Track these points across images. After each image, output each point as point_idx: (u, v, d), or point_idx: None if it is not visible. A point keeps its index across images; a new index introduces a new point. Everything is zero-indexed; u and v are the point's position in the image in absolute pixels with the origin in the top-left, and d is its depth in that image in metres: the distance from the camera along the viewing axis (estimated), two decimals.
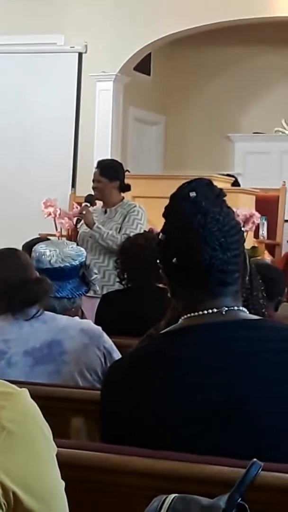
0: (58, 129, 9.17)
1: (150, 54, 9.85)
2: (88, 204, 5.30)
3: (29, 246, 3.77)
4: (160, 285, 3.81)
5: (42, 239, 4.19)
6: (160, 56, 10.21)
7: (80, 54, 9.32)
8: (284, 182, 8.12)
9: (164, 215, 1.71)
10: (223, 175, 8.02)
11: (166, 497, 1.19)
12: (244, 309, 1.67)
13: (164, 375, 1.59)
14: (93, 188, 5.37)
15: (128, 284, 3.77)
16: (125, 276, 3.76)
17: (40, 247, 2.97)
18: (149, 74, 10.32)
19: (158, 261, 1.71)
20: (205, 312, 1.63)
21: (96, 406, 2.23)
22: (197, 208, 1.64)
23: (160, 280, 3.81)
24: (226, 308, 1.63)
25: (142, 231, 5.24)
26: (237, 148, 10.50)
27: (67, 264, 2.94)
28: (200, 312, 1.64)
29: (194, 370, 1.58)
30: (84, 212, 5.24)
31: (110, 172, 5.35)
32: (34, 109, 9.18)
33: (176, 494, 1.19)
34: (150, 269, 3.64)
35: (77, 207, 7.69)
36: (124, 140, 9.73)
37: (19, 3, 9.47)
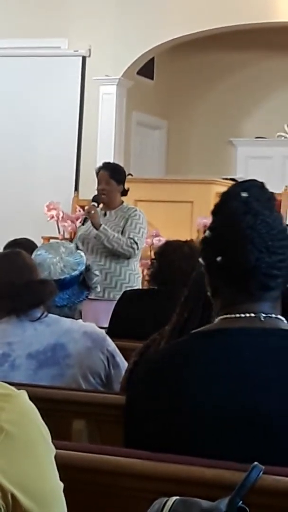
0: (61, 132, 9.18)
1: (153, 58, 9.86)
2: (96, 204, 5.30)
3: (10, 246, 3.75)
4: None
5: (26, 240, 4.12)
6: (163, 60, 10.22)
7: (83, 58, 9.33)
8: (287, 186, 8.14)
9: (213, 212, 1.68)
10: (226, 179, 8.02)
11: (167, 500, 1.19)
12: (282, 318, 1.63)
13: (198, 376, 1.57)
14: (101, 189, 5.36)
15: (156, 286, 3.75)
16: (156, 277, 3.73)
17: (39, 255, 2.94)
18: (152, 78, 10.33)
19: (201, 256, 1.67)
20: (243, 315, 1.61)
21: (97, 409, 2.24)
22: (248, 208, 1.61)
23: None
24: (264, 315, 1.60)
25: (144, 234, 5.27)
26: (239, 153, 10.50)
27: (67, 276, 2.92)
28: (237, 315, 1.61)
29: (226, 373, 1.55)
30: (92, 212, 5.24)
31: (119, 176, 5.39)
32: (37, 113, 9.19)
33: (177, 497, 1.19)
34: (185, 278, 3.63)
35: (79, 210, 7.71)
36: (127, 144, 9.73)
37: (23, 6, 9.48)
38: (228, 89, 10.47)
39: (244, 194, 1.63)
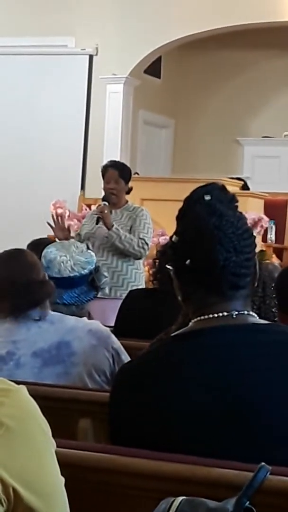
0: (68, 131, 9.18)
1: (160, 57, 9.86)
2: (107, 203, 5.29)
3: (34, 245, 3.76)
4: None
5: (49, 239, 4.16)
6: (170, 59, 10.22)
7: (90, 57, 9.34)
8: None
9: (177, 217, 1.71)
10: (233, 178, 8.02)
11: (174, 500, 1.19)
12: (253, 314, 1.67)
13: (173, 377, 1.59)
14: (111, 188, 5.35)
15: (158, 285, 3.77)
16: (158, 277, 3.75)
17: (50, 252, 2.94)
18: (159, 77, 10.33)
19: (169, 261, 1.71)
20: (216, 315, 1.63)
21: (103, 408, 2.24)
22: (212, 210, 1.64)
23: None
24: (236, 312, 1.63)
25: (151, 233, 5.27)
26: (246, 152, 10.50)
27: (77, 274, 2.92)
28: (211, 315, 1.64)
29: (203, 373, 1.58)
30: (106, 211, 5.23)
31: (127, 175, 5.41)
32: (44, 111, 9.20)
33: (184, 497, 1.19)
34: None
35: (86, 209, 7.71)
36: (133, 143, 9.74)
37: (30, 5, 9.49)
38: (235, 89, 10.46)
39: (207, 197, 1.67)
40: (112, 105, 9.31)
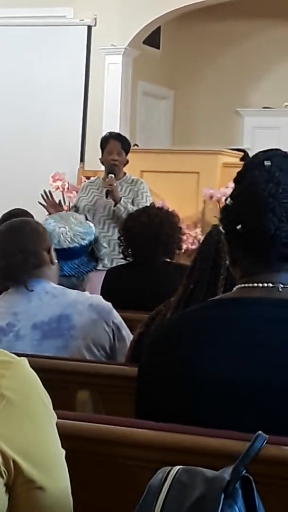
0: (66, 102, 9.13)
1: (159, 27, 9.78)
2: (113, 176, 5.26)
3: (4, 218, 3.68)
4: (167, 260, 3.81)
5: (21, 210, 4.05)
6: (169, 29, 10.14)
7: (89, 27, 9.26)
8: None
9: (235, 180, 1.66)
10: (233, 149, 7.98)
11: (171, 469, 1.18)
12: None
13: (207, 344, 1.56)
14: (114, 160, 5.32)
15: (133, 259, 3.78)
16: (129, 252, 3.76)
17: (49, 224, 2.94)
18: (158, 47, 10.25)
19: (221, 224, 1.65)
20: (260, 285, 1.60)
21: (102, 380, 2.25)
22: (270, 177, 1.59)
23: (167, 255, 3.82)
24: (282, 285, 1.59)
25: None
26: (246, 123, 10.44)
27: (76, 245, 2.93)
28: (255, 284, 1.60)
29: (236, 344, 1.55)
30: (115, 184, 5.21)
31: (128, 148, 5.40)
32: (42, 83, 9.14)
33: (181, 466, 1.19)
34: (155, 245, 3.64)
35: (85, 181, 7.68)
36: (133, 114, 9.68)
37: None
38: (235, 59, 10.38)
39: (267, 163, 1.62)
40: (111, 76, 9.25)
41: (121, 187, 5.33)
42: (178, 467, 1.19)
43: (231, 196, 1.65)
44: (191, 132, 10.35)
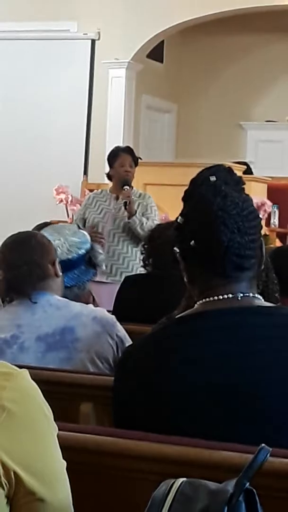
0: (70, 116, 9.17)
1: (163, 41, 9.82)
2: (128, 187, 5.28)
3: (40, 228, 3.74)
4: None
5: (50, 223, 4.12)
6: (173, 43, 10.18)
7: (93, 41, 9.31)
8: None
9: (183, 198, 1.71)
10: (236, 163, 8.00)
11: (174, 482, 1.19)
12: (259, 296, 1.66)
13: (174, 360, 1.59)
14: (128, 171, 5.34)
15: (152, 270, 3.78)
16: (150, 261, 3.77)
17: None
18: (161, 61, 10.29)
19: (175, 243, 1.71)
20: (221, 297, 1.63)
21: (105, 392, 2.24)
22: (217, 191, 1.64)
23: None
24: (242, 294, 1.63)
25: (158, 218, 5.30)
26: (249, 136, 10.47)
27: (74, 255, 2.93)
28: (216, 297, 1.64)
29: (204, 356, 1.58)
30: (132, 197, 5.23)
31: (137, 162, 5.43)
32: (46, 96, 9.18)
33: (184, 479, 1.19)
34: (175, 261, 3.64)
35: (89, 193, 7.69)
36: (136, 128, 9.71)
37: None
38: (238, 73, 10.42)
39: (212, 178, 1.67)
40: (115, 90, 9.28)
41: None
42: (181, 479, 1.20)
43: (181, 214, 1.69)
44: (194, 145, 10.37)
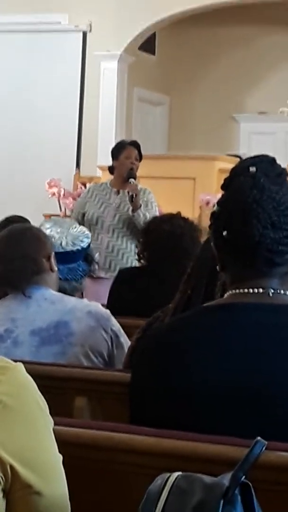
0: (62, 108, 9.15)
1: (155, 33, 9.80)
2: (134, 180, 5.25)
3: (1, 225, 3.66)
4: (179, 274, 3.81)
5: (17, 217, 4.03)
6: (165, 35, 10.16)
7: (84, 33, 9.28)
8: None
9: (222, 187, 1.67)
10: (229, 155, 7.99)
11: (170, 476, 1.18)
12: None
13: (199, 350, 1.57)
14: (132, 163, 5.32)
15: (146, 264, 3.77)
16: (144, 255, 3.76)
17: (46, 229, 2.94)
18: (153, 53, 10.28)
19: (210, 233, 1.66)
20: (251, 290, 1.60)
21: (99, 386, 2.24)
22: (255, 183, 1.60)
23: (179, 270, 3.81)
24: (273, 290, 1.60)
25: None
26: (242, 129, 10.47)
27: (78, 247, 2.95)
28: (246, 290, 1.60)
29: (226, 351, 1.55)
30: (138, 189, 5.21)
31: (141, 157, 5.41)
32: (38, 89, 9.16)
33: (180, 473, 1.19)
34: (169, 256, 3.63)
35: (81, 187, 7.69)
36: (128, 120, 9.70)
37: None
38: (231, 65, 10.41)
39: (252, 169, 1.62)
40: (107, 82, 9.27)
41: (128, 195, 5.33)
42: (177, 473, 1.19)
43: (218, 202, 1.66)
44: (187, 138, 10.36)
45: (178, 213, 3.90)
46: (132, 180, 5.22)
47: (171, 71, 10.55)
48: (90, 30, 9.30)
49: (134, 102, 9.95)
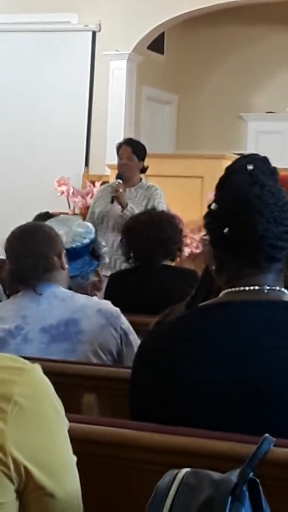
0: (71, 108, 9.15)
1: (163, 33, 9.79)
2: (121, 181, 5.26)
3: (42, 216, 3.74)
4: (169, 263, 3.81)
5: (50, 213, 4.13)
6: (173, 35, 10.15)
7: (93, 33, 9.28)
8: None
9: (217, 186, 1.69)
10: (237, 154, 7.98)
11: (178, 472, 1.19)
12: (285, 290, 1.64)
13: (197, 349, 1.58)
14: (122, 164, 5.33)
15: (135, 263, 3.77)
16: (131, 255, 3.76)
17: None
18: (162, 53, 10.27)
19: (206, 230, 1.68)
20: (246, 288, 1.62)
21: (108, 383, 2.25)
22: (254, 179, 1.63)
23: (168, 256, 3.82)
24: (268, 287, 1.61)
25: None
26: (250, 128, 10.45)
27: (78, 244, 2.95)
28: (242, 288, 1.62)
29: (224, 348, 1.56)
30: (120, 190, 5.21)
31: (141, 152, 5.40)
32: (47, 88, 9.16)
33: (188, 469, 1.20)
34: (155, 246, 3.64)
35: (90, 186, 7.69)
36: (137, 119, 9.70)
37: None
38: (239, 64, 10.40)
39: (249, 167, 1.65)
40: (116, 81, 9.27)
41: (136, 193, 5.32)
42: (185, 469, 1.20)
43: (215, 201, 1.68)
44: (195, 136, 10.35)
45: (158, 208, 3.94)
46: (118, 180, 5.23)
47: (179, 70, 10.55)
48: (100, 30, 9.30)
49: (142, 101, 9.95)
